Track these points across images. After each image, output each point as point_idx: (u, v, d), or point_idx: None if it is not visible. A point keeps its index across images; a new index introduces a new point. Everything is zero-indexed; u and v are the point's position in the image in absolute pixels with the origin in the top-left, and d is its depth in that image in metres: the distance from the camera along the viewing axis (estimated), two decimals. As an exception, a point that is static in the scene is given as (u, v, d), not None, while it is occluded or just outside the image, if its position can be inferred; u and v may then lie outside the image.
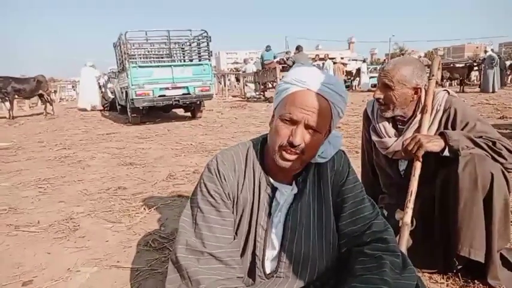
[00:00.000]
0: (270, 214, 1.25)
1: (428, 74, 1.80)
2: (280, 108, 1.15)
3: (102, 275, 1.96)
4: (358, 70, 18.91)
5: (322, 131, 1.13)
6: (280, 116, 1.14)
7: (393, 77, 1.69)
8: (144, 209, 2.90)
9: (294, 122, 1.11)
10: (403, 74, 1.69)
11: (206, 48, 9.25)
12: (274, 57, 13.57)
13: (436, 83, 1.81)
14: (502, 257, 1.73)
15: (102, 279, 1.92)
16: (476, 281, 1.64)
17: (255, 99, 14.04)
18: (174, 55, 10.49)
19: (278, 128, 1.13)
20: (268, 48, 13.46)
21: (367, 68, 18.79)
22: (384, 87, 1.72)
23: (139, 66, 8.57)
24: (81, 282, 1.89)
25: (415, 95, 1.76)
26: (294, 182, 1.26)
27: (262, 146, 1.28)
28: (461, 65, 16.75)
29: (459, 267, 1.68)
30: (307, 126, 1.10)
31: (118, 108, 11.65)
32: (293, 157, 1.12)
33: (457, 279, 1.69)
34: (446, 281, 1.69)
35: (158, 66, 8.94)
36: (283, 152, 1.12)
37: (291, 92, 1.13)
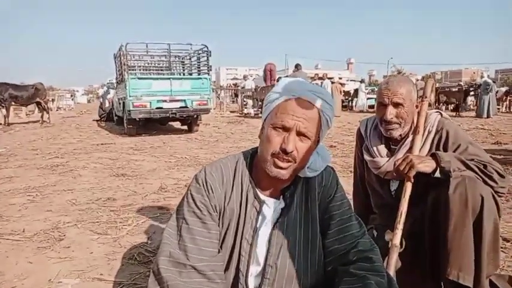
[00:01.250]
0: (256, 228, 1.22)
1: (421, 95, 1.81)
2: (272, 117, 1.16)
3: (84, 287, 1.91)
4: (356, 90, 19.06)
5: (312, 138, 1.15)
6: (272, 124, 1.15)
7: (402, 94, 1.69)
8: (132, 221, 2.86)
9: (286, 129, 1.12)
10: (409, 90, 1.71)
11: (206, 63, 9.33)
12: None
13: (429, 104, 1.81)
14: (491, 283, 1.70)
15: (84, 291, 1.87)
16: (465, 307, 1.60)
17: (252, 116, 14.10)
18: (174, 68, 10.56)
19: (270, 136, 1.14)
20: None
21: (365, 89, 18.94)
22: (395, 106, 1.72)
23: (138, 78, 8.62)
24: (61, 294, 1.84)
25: (416, 110, 1.78)
26: (281, 197, 1.25)
27: (251, 158, 1.27)
28: (456, 89, 16.96)
29: (448, 291, 1.65)
30: (298, 133, 1.12)
31: (115, 119, 11.65)
32: (286, 165, 1.13)
33: (445, 303, 1.65)
34: (435, 305, 1.66)
35: (157, 78, 9.00)
36: (276, 160, 1.13)
37: (281, 101, 1.16)
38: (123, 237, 2.56)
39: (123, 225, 2.77)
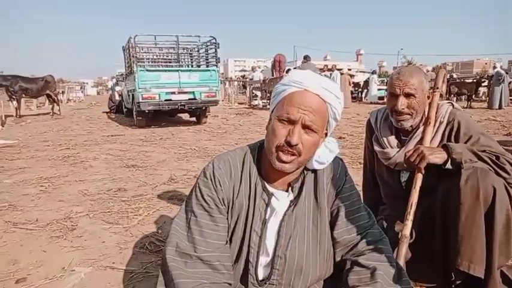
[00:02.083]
0: (265, 220, 1.23)
1: (433, 87, 1.79)
2: (278, 109, 1.15)
3: (96, 276, 1.95)
4: (366, 82, 18.87)
5: (318, 131, 1.13)
6: (277, 116, 1.14)
7: (413, 84, 1.67)
8: (143, 211, 2.89)
9: (291, 122, 1.11)
10: (420, 81, 1.69)
11: (214, 55, 9.31)
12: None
13: (440, 95, 1.79)
14: (502, 274, 1.69)
15: (96, 279, 1.91)
16: (475, 298, 1.60)
17: (261, 107, 14.06)
18: (182, 60, 10.55)
19: (275, 128, 1.13)
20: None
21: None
22: (406, 97, 1.70)
23: (147, 70, 8.63)
24: (74, 282, 1.88)
25: (427, 101, 1.76)
26: (290, 189, 1.25)
27: (259, 151, 1.27)
28: (469, 81, 16.68)
29: (458, 282, 1.65)
30: (304, 126, 1.11)
31: (124, 111, 11.72)
32: (290, 158, 1.12)
33: (455, 295, 1.65)
34: (445, 296, 1.66)
35: (165, 70, 8.98)
36: (280, 153, 1.12)
37: (288, 93, 1.14)
38: (134, 226, 2.59)
39: (134, 215, 2.80)
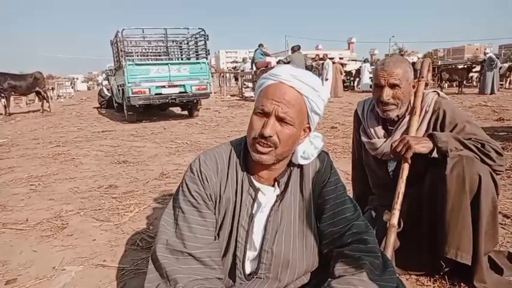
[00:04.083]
0: (252, 215, 1.23)
1: (418, 76, 1.78)
2: (255, 102, 1.17)
3: (87, 274, 1.94)
4: (358, 70, 18.85)
5: (294, 123, 1.13)
6: (254, 109, 1.15)
7: (398, 74, 1.67)
8: (134, 207, 2.88)
9: (266, 114, 1.12)
10: (405, 71, 1.69)
11: (204, 47, 9.22)
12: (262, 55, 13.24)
13: (426, 84, 1.79)
14: (490, 259, 1.72)
15: (87, 278, 1.90)
16: (462, 284, 1.62)
17: (253, 99, 14.00)
18: (172, 53, 10.44)
19: (252, 121, 1.15)
20: (258, 48, 13.24)
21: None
22: (391, 87, 1.70)
23: (136, 64, 8.53)
24: (65, 281, 1.87)
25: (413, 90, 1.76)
26: (276, 184, 1.25)
27: (245, 146, 1.26)
28: (460, 67, 16.74)
29: (446, 269, 1.67)
30: (278, 118, 1.11)
31: (115, 106, 11.62)
32: (265, 150, 1.13)
33: (443, 281, 1.67)
34: (433, 283, 1.68)
35: (155, 64, 8.88)
36: (257, 145, 1.13)
37: (265, 86, 1.16)
38: (125, 223, 2.59)
39: (125, 212, 2.79)
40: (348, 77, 19.93)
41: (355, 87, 19.47)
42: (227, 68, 38.18)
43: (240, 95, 15.82)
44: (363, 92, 16.99)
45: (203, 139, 6.17)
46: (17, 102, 15.75)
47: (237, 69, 19.91)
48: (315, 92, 1.15)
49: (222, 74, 20.22)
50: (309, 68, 13.50)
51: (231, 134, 6.64)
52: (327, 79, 13.77)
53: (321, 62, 15.00)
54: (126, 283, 1.84)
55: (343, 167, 3.71)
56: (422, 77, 1.77)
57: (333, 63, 15.36)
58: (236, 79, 19.86)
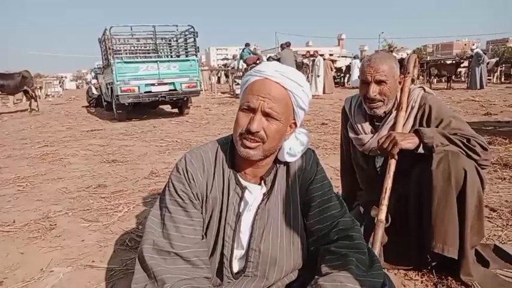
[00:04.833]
0: (239, 214, 1.23)
1: (404, 72, 1.79)
2: (241, 99, 1.17)
3: (75, 275, 1.92)
4: (348, 67, 18.92)
5: (281, 119, 1.13)
6: (240, 106, 1.16)
7: (384, 71, 1.68)
8: (123, 207, 2.85)
9: (251, 110, 1.12)
10: (391, 67, 1.70)
11: (193, 44, 9.15)
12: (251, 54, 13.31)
13: (412, 80, 1.81)
14: (477, 253, 1.74)
15: (76, 279, 1.88)
16: (449, 278, 1.64)
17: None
18: (161, 51, 10.36)
19: (238, 118, 1.15)
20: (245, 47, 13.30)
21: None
22: (378, 84, 1.71)
23: (125, 62, 8.44)
24: (53, 283, 1.85)
25: (399, 86, 1.77)
26: (262, 182, 1.25)
27: (231, 144, 1.26)
28: (448, 62, 16.91)
29: (433, 263, 1.69)
30: (264, 114, 1.12)
31: (104, 105, 11.49)
32: (254, 145, 1.13)
33: (431, 275, 1.69)
34: (421, 277, 1.70)
35: (144, 61, 8.79)
36: (244, 140, 1.14)
37: (250, 82, 1.16)
38: (114, 223, 2.56)
39: (114, 212, 2.77)
40: (338, 74, 20.01)
41: (346, 83, 19.54)
42: (217, 65, 38.01)
43: (231, 93, 15.78)
44: (353, 88, 17.04)
45: (193, 137, 6.14)
46: (4, 101, 15.47)
47: (228, 67, 19.82)
48: (300, 87, 1.16)
49: (212, 71, 20.11)
50: (299, 64, 13.53)
51: (222, 131, 6.62)
52: (318, 76, 13.78)
53: (311, 58, 15.01)
54: (115, 284, 1.83)
55: (333, 163, 3.73)
56: (408, 73, 1.78)
57: (324, 59, 15.39)
58: (227, 76, 19.78)
